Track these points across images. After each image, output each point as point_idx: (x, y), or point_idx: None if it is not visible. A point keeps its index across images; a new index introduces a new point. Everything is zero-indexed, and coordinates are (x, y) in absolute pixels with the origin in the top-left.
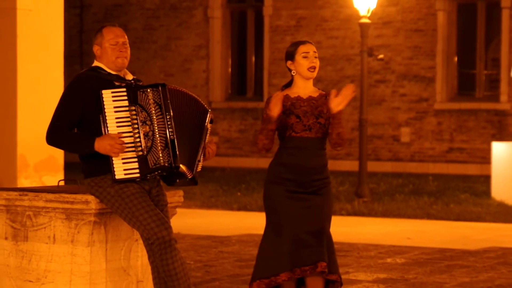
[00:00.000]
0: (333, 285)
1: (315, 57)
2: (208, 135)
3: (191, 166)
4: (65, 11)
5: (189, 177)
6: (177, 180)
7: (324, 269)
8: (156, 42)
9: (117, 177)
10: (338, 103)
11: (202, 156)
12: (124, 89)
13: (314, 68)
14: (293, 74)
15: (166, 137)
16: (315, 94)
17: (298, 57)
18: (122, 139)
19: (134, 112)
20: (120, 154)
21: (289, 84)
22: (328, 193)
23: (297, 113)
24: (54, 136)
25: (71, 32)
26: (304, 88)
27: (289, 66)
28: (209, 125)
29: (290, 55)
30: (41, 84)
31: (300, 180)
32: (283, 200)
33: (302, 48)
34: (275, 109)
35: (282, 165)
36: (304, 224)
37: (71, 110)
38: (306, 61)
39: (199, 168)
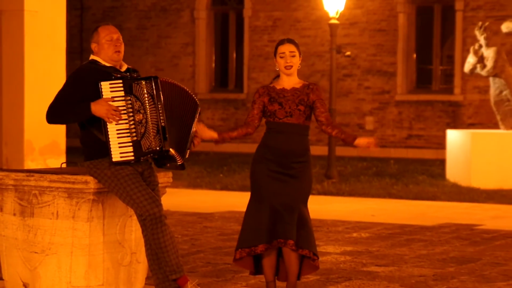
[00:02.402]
0: (309, 259)
1: (292, 56)
2: (195, 126)
3: (180, 152)
4: (67, 12)
5: (179, 163)
6: (168, 164)
7: (292, 247)
8: (148, 40)
9: (114, 159)
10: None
11: (191, 145)
12: (121, 81)
13: (290, 66)
14: (277, 69)
15: (157, 124)
16: (299, 85)
17: (277, 56)
18: (119, 125)
19: (129, 102)
20: (116, 139)
21: (278, 76)
22: (305, 176)
23: (280, 101)
24: (53, 112)
25: (73, 31)
26: (288, 81)
27: (275, 62)
28: (197, 118)
29: (274, 53)
30: (46, 77)
31: (281, 161)
32: (263, 176)
33: (279, 49)
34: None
35: (265, 147)
36: (279, 198)
37: (71, 95)
38: (282, 61)
39: (187, 155)
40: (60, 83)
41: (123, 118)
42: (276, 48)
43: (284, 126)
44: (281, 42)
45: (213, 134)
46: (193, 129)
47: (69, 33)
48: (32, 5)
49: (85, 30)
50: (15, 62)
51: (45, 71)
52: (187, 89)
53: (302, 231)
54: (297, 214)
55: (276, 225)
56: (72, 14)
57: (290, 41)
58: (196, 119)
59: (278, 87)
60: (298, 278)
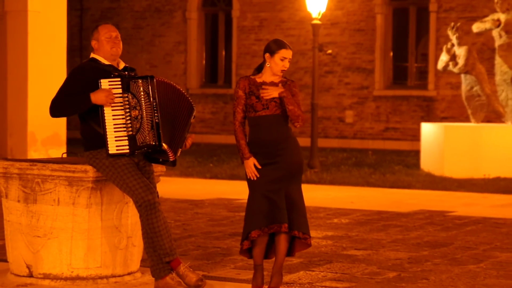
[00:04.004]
0: (299, 240)
1: (289, 62)
2: (190, 129)
3: (173, 149)
4: (68, 12)
5: (171, 159)
6: (160, 159)
7: (285, 230)
8: (143, 38)
9: (110, 152)
10: (268, 93)
11: (183, 144)
12: (119, 79)
13: (284, 71)
14: (267, 65)
15: (152, 121)
16: (277, 80)
17: (277, 57)
18: (116, 120)
19: (126, 99)
20: (113, 133)
21: (259, 69)
22: (292, 156)
23: (257, 94)
24: (55, 107)
25: (73, 30)
26: (269, 77)
27: (266, 58)
28: (192, 119)
29: (271, 51)
30: (48, 73)
31: (266, 152)
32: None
33: (283, 52)
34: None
35: (250, 142)
36: (270, 185)
37: (72, 89)
38: (281, 63)
39: (178, 153)
40: (61, 78)
41: (120, 114)
42: (278, 49)
43: (261, 119)
44: (284, 46)
45: (254, 161)
46: (187, 130)
47: (69, 32)
48: (35, 6)
49: (85, 29)
50: (19, 59)
51: (47, 67)
52: (183, 91)
53: (293, 213)
54: (285, 196)
55: (271, 212)
56: (72, 14)
57: (291, 48)
58: (191, 121)
59: (258, 80)
60: (292, 254)
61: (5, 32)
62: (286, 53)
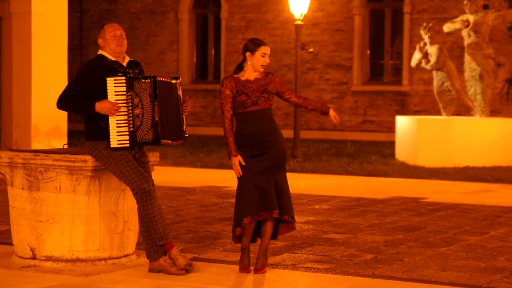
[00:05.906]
0: (286, 224)
1: (268, 57)
2: (182, 99)
3: (180, 133)
4: (69, 14)
5: (181, 141)
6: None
7: (276, 215)
8: (138, 38)
9: (111, 145)
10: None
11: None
12: (124, 78)
13: (265, 66)
14: (249, 63)
15: (153, 119)
16: (260, 76)
17: (258, 53)
18: (119, 116)
19: (129, 97)
20: (116, 128)
21: (240, 67)
22: (277, 146)
23: (246, 92)
24: (63, 101)
25: (73, 30)
26: (251, 73)
27: (247, 56)
28: (180, 92)
29: (251, 49)
30: (50, 70)
31: (255, 144)
32: (244, 161)
33: (263, 49)
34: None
35: (239, 136)
36: (260, 176)
37: (81, 86)
38: (262, 59)
39: (186, 133)
40: (62, 75)
41: (123, 110)
42: (258, 46)
43: (250, 114)
44: (263, 43)
45: (240, 159)
46: (181, 104)
47: (70, 32)
48: (38, 8)
49: (84, 30)
50: (23, 57)
51: (49, 65)
52: (170, 79)
53: (282, 198)
54: (275, 184)
55: (261, 200)
56: (72, 15)
57: (268, 45)
58: (180, 96)
59: (242, 78)
60: (276, 237)
61: (11, 32)
62: (265, 49)
